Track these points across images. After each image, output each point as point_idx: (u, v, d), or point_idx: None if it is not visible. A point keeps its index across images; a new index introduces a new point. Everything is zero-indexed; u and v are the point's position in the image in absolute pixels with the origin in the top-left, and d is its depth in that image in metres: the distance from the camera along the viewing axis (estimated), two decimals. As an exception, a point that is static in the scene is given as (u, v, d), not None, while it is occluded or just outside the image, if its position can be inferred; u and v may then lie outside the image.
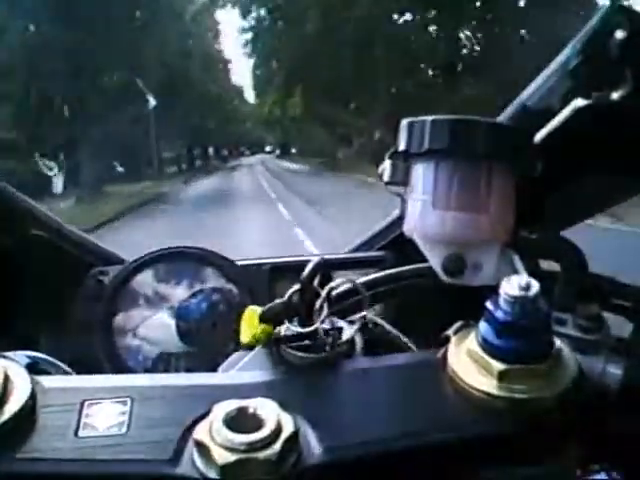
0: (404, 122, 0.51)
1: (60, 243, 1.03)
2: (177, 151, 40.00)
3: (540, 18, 15.48)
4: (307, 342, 0.45)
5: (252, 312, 0.47)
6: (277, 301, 0.46)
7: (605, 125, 0.53)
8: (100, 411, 0.38)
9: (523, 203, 0.51)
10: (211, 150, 55.17)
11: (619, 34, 0.48)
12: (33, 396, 0.38)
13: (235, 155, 74.02)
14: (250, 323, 0.47)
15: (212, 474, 0.34)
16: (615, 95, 0.50)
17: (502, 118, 0.66)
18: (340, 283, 0.50)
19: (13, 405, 0.37)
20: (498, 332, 0.39)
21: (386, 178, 0.54)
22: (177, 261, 1.04)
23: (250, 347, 0.48)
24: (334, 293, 0.49)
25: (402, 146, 0.51)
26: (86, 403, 0.39)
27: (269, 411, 0.36)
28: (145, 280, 1.03)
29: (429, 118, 0.49)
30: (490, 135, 0.49)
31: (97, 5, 16.45)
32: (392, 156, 0.54)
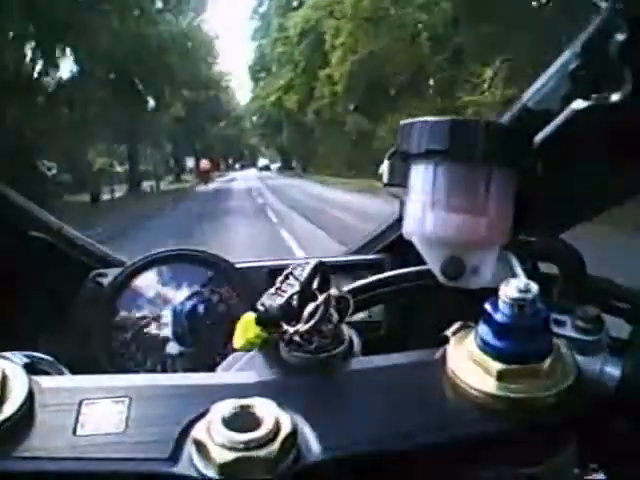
0: (403, 123, 0.51)
1: (60, 245, 1.03)
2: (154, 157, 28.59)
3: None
4: (305, 343, 0.45)
5: (249, 318, 0.47)
6: (275, 303, 0.46)
7: (605, 127, 0.53)
8: (98, 410, 0.38)
9: (522, 205, 0.51)
10: (191, 162, 40.27)
11: (619, 36, 0.48)
12: (31, 396, 0.38)
13: (221, 169, 55.51)
14: (245, 329, 0.47)
15: (210, 473, 0.34)
16: (615, 97, 0.50)
17: (502, 120, 0.66)
18: (340, 291, 0.49)
19: (11, 405, 0.37)
20: (497, 333, 0.39)
21: (385, 180, 0.54)
22: (176, 263, 1.04)
23: (246, 350, 0.48)
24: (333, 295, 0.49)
25: (401, 147, 0.51)
26: (84, 402, 0.39)
27: (267, 410, 0.36)
28: (144, 282, 1.03)
29: (428, 119, 0.49)
30: (489, 137, 0.48)
31: None
32: (391, 157, 0.54)
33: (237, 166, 66.89)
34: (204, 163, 32.67)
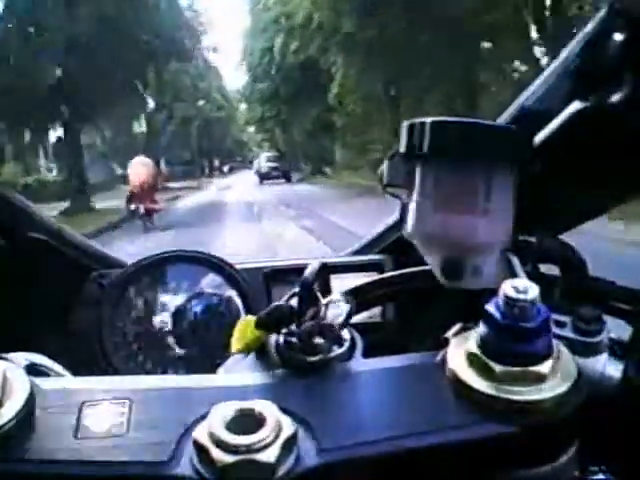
0: (405, 124, 0.51)
1: (60, 246, 1.03)
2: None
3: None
4: (306, 344, 0.45)
5: (247, 322, 0.47)
6: (275, 304, 0.46)
7: (604, 127, 0.53)
8: (99, 413, 0.38)
9: (523, 205, 0.51)
10: (163, 164, 22.72)
11: (618, 36, 0.48)
12: (32, 398, 0.38)
13: (206, 174, 38.94)
14: (243, 332, 0.47)
15: (211, 475, 0.34)
16: (614, 97, 0.50)
17: (502, 120, 0.66)
18: (340, 296, 0.49)
19: (11, 407, 0.37)
20: (497, 335, 0.39)
21: (386, 180, 0.54)
22: (176, 264, 1.04)
23: (245, 353, 0.48)
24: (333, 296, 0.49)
25: (402, 148, 0.51)
26: (85, 405, 0.39)
27: (268, 413, 0.36)
28: (145, 283, 1.03)
29: (429, 120, 0.49)
30: (490, 137, 0.49)
31: None
32: (392, 158, 0.53)
33: (225, 169, 46.53)
34: (137, 167, 11.81)
